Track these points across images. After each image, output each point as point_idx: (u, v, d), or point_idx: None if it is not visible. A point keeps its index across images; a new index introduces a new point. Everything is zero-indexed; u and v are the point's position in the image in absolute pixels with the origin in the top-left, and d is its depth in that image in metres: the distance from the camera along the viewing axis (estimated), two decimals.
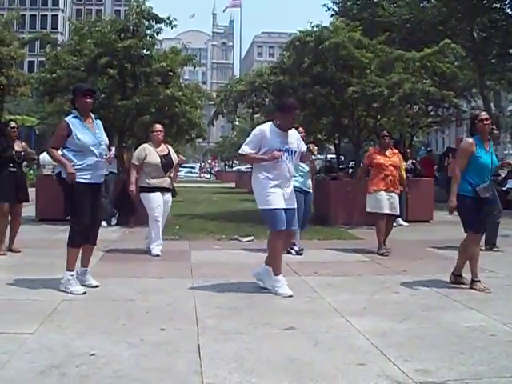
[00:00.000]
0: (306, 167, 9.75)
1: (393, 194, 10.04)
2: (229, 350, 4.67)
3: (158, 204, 9.42)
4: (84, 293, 6.55)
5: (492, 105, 30.66)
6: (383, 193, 9.97)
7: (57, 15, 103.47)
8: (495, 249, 10.49)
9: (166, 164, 9.53)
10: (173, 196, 9.82)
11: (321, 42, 14.53)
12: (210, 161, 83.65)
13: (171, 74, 14.58)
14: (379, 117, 16.03)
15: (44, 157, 22.25)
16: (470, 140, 7.08)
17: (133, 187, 9.47)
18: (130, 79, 14.44)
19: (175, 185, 10.06)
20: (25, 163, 10.32)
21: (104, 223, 13.18)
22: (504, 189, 21.19)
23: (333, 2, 31.58)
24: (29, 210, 14.82)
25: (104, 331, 5.13)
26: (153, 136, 9.72)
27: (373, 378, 4.14)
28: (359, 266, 7.35)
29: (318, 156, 45.49)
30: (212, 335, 5.09)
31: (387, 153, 10.19)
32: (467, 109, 27.84)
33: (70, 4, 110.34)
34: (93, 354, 4.48)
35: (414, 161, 18.85)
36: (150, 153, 9.50)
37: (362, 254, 9.86)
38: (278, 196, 6.69)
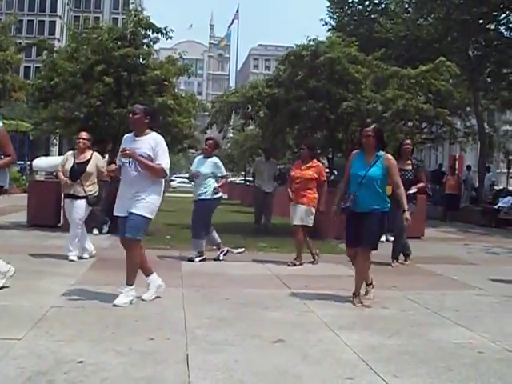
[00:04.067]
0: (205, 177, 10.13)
1: (297, 206, 10.06)
2: (217, 360, 4.67)
3: (66, 210, 9.83)
4: None
5: (485, 124, 30.76)
6: (291, 205, 10.14)
7: (54, 21, 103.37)
8: (393, 264, 10.46)
9: (77, 171, 9.63)
10: (91, 204, 9.76)
11: (317, 56, 14.60)
12: None
13: (166, 83, 14.59)
14: None
15: (37, 163, 22.18)
16: (353, 153, 7.32)
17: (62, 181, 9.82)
18: (125, 87, 14.43)
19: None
20: None
21: (95, 231, 13.19)
22: (496, 207, 21.34)
23: (330, 17, 31.71)
24: (20, 215, 14.82)
25: (92, 339, 5.11)
26: (77, 143, 10.00)
27: None
28: (350, 280, 7.36)
29: None
30: (201, 346, 5.08)
31: (304, 166, 10.21)
32: (461, 127, 27.90)
33: (67, 10, 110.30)
34: (81, 362, 4.47)
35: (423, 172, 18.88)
36: (68, 159, 9.82)
37: (352, 268, 9.84)
38: (117, 203, 6.71)
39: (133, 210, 6.52)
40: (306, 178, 10.08)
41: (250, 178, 32.16)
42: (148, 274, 6.94)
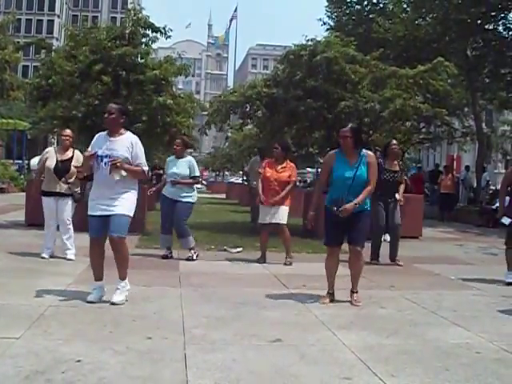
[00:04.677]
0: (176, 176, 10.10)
1: (274, 208, 10.04)
2: (215, 360, 4.67)
3: (47, 208, 9.61)
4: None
5: (484, 124, 30.83)
6: (262, 206, 10.12)
7: (53, 20, 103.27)
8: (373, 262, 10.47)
9: (62, 169, 9.53)
10: (76, 201, 9.67)
11: (314, 56, 14.61)
12: (201, 171, 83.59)
13: (164, 82, 14.59)
14: (371, 132, 16.08)
15: (35, 161, 22.14)
16: (330, 153, 7.18)
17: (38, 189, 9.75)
18: (123, 86, 14.42)
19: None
20: None
21: None
22: (493, 207, 21.34)
23: (328, 17, 31.74)
24: (18, 214, 14.81)
25: (90, 338, 5.11)
26: (61, 140, 9.90)
27: None
28: (347, 280, 7.35)
29: (309, 170, 45.73)
30: (199, 345, 5.09)
31: (279, 166, 10.17)
32: (459, 127, 27.93)
33: (66, 9, 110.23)
34: (78, 361, 4.47)
35: (405, 177, 18.92)
36: (50, 157, 9.65)
37: None
38: (93, 203, 6.62)
39: (118, 211, 6.51)
40: (283, 180, 10.09)
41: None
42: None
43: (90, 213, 6.64)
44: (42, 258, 9.35)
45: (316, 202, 7.33)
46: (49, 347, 4.78)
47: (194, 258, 10.09)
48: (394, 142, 11.20)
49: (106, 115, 6.76)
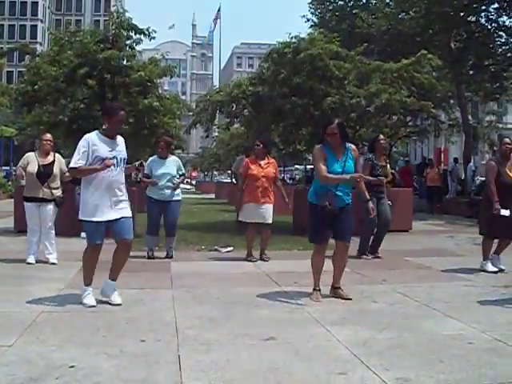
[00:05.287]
0: (165, 178, 10.13)
1: (264, 206, 10.05)
2: (209, 360, 4.67)
3: (30, 214, 9.49)
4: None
5: (469, 116, 30.95)
6: (252, 204, 10.03)
7: (36, 25, 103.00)
8: (364, 257, 10.53)
9: (44, 174, 9.44)
10: (58, 205, 9.61)
11: (298, 53, 14.63)
12: (190, 172, 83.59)
13: (150, 84, 14.57)
14: (358, 127, 16.11)
15: None
16: (318, 147, 7.00)
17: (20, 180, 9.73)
18: (109, 89, 14.40)
19: None
20: None
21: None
22: (482, 198, 21.42)
23: (312, 14, 31.80)
24: (7, 221, 14.74)
25: (83, 343, 5.10)
26: (41, 144, 9.75)
27: None
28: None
29: (297, 167, 45.70)
30: (192, 346, 5.08)
31: (262, 163, 10.18)
32: (445, 119, 28.05)
33: (49, 14, 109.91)
34: (72, 366, 4.46)
35: (393, 171, 18.97)
36: (31, 161, 9.51)
37: None
38: (99, 208, 6.48)
39: (127, 214, 6.61)
40: (270, 176, 10.13)
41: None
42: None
43: (95, 219, 6.49)
44: (29, 263, 9.30)
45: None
46: (42, 354, 4.76)
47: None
48: (381, 136, 11.23)
49: (122, 112, 6.72)
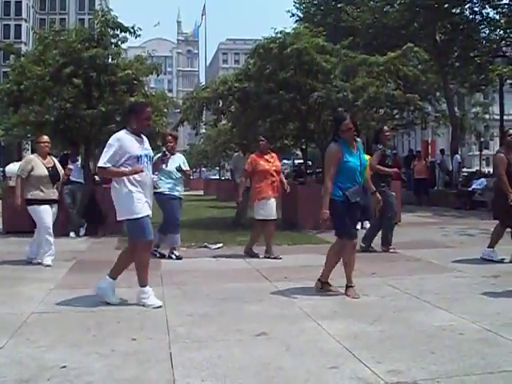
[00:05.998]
0: (177, 173, 10.04)
1: (273, 200, 10.03)
2: (201, 357, 4.67)
3: (45, 215, 9.36)
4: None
5: (456, 108, 31.07)
6: (269, 200, 9.93)
7: (20, 25, 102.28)
8: (391, 250, 10.60)
9: (54, 176, 9.48)
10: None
11: (284, 48, 14.60)
12: None
13: (136, 82, 14.51)
14: None
15: (10, 168, 21.91)
16: (335, 146, 6.94)
17: (19, 200, 9.39)
18: (95, 88, 14.34)
19: None
20: None
21: (72, 234, 13.12)
22: (470, 189, 21.56)
23: (297, 8, 31.81)
24: None
25: (74, 343, 5.08)
26: (40, 147, 9.63)
27: (345, 380, 4.18)
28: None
29: (286, 162, 45.79)
30: (184, 343, 5.08)
31: (267, 157, 10.16)
32: (432, 112, 28.15)
33: (33, 13, 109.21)
34: (64, 367, 4.45)
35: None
36: (37, 165, 9.40)
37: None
38: (142, 203, 6.52)
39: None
40: (279, 170, 10.20)
41: (226, 173, 31.74)
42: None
43: (144, 214, 6.51)
44: (48, 266, 9.18)
45: (326, 198, 6.89)
46: (33, 355, 4.75)
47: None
48: (386, 128, 11.31)
49: (148, 109, 6.88)
